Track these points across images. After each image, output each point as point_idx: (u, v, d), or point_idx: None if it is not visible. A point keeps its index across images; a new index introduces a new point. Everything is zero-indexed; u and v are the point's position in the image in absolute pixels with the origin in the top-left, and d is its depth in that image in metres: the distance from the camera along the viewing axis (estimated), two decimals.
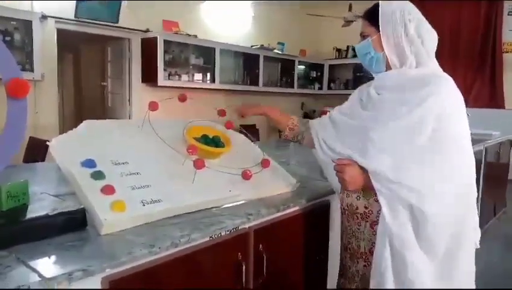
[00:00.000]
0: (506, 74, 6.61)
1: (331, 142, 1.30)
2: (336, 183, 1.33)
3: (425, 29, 1.20)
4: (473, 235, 1.19)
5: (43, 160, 2.83)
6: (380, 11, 1.21)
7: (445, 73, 1.22)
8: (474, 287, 1.21)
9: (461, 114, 1.17)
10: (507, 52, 6.60)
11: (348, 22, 6.09)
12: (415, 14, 1.21)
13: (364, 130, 1.20)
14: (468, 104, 1.19)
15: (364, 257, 1.25)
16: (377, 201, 1.16)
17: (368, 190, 1.20)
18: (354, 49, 8.16)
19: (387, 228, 1.12)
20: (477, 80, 6.77)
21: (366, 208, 1.23)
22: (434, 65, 1.24)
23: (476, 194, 1.19)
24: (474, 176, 1.18)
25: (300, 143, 1.50)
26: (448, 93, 1.16)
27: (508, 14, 6.57)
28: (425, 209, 1.08)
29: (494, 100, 6.60)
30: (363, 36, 1.27)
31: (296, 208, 1.45)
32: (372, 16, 1.23)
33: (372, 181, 1.14)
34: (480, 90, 6.71)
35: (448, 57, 6.69)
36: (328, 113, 1.45)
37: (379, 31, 1.21)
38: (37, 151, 2.95)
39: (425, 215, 1.08)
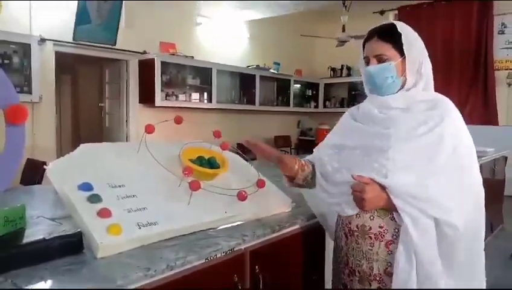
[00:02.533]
0: (498, 91, 6.72)
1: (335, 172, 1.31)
2: (331, 215, 1.36)
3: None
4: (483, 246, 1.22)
5: (40, 182, 2.84)
6: (404, 36, 1.20)
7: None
8: None
9: (467, 132, 1.23)
10: (498, 69, 6.73)
11: (341, 42, 6.22)
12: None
13: (377, 149, 1.20)
14: None
15: (378, 278, 1.19)
16: (393, 220, 1.16)
17: (386, 209, 1.17)
18: (348, 68, 8.40)
19: (414, 247, 1.10)
20: (470, 97, 6.88)
21: (381, 227, 1.18)
22: (433, 90, 1.30)
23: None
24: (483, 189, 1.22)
25: (311, 186, 1.42)
26: (456, 113, 1.22)
27: (498, 33, 6.72)
28: (454, 222, 1.09)
29: (488, 117, 6.68)
30: (381, 59, 1.22)
31: (292, 228, 1.46)
32: (394, 40, 1.21)
33: (394, 200, 1.12)
34: (474, 108, 6.80)
35: (442, 75, 6.81)
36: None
37: (401, 56, 1.21)
38: (34, 172, 2.96)
39: (456, 228, 1.09)
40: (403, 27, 1.24)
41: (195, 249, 1.14)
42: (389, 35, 1.23)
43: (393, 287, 1.14)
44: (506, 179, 4.58)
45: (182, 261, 1.07)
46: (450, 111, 1.21)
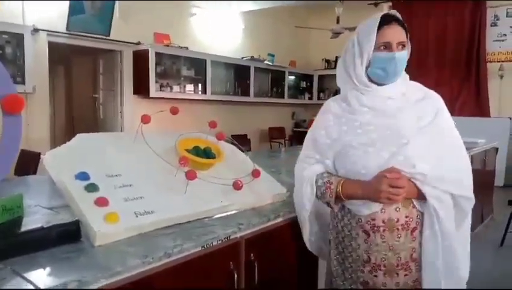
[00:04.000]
0: (490, 83, 6.77)
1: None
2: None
3: None
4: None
5: (35, 172, 2.84)
6: (406, 26, 1.26)
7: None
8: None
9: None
10: (491, 61, 6.78)
11: (336, 34, 6.22)
12: None
13: (395, 143, 1.19)
14: (454, 112, 1.29)
15: (405, 267, 1.23)
16: (415, 207, 1.21)
17: (407, 198, 1.20)
18: None
19: (440, 222, 1.19)
20: (463, 89, 6.93)
21: (406, 217, 1.21)
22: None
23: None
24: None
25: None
26: (443, 103, 1.30)
27: (491, 25, 6.75)
28: (471, 195, 1.23)
29: (480, 109, 6.75)
30: (403, 47, 1.23)
31: (287, 217, 1.48)
32: (406, 28, 1.26)
33: (422, 187, 1.17)
34: (466, 99, 6.86)
35: (435, 67, 6.85)
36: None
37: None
38: (29, 163, 2.96)
39: (472, 200, 1.24)
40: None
41: (192, 237, 1.16)
42: (403, 23, 1.24)
43: (423, 271, 1.21)
44: (496, 170, 4.65)
45: (179, 248, 1.09)
46: (440, 102, 1.29)
